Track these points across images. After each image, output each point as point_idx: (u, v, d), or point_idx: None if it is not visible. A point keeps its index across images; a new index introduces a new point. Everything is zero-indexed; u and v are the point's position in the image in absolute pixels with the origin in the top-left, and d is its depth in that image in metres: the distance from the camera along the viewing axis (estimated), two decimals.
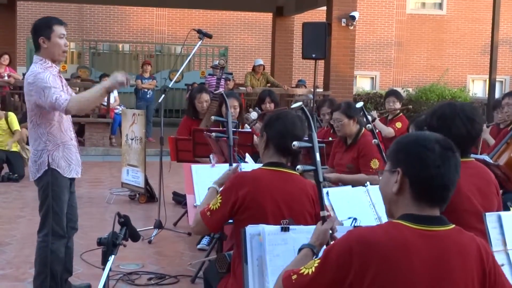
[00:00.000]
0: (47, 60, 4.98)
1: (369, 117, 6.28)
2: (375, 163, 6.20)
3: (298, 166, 3.20)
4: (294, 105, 3.56)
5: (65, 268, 5.26)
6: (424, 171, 2.47)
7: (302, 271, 2.56)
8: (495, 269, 2.55)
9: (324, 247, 3.03)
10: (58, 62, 5.07)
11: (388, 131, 8.76)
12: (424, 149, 2.49)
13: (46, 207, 5.04)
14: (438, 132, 2.68)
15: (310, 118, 3.49)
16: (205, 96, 7.94)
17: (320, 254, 2.81)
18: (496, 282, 2.53)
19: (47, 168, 4.98)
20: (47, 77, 4.85)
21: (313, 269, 2.52)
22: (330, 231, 3.05)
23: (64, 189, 5.10)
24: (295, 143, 3.25)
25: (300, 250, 2.98)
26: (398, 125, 8.90)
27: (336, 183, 6.30)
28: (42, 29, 4.98)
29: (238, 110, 7.54)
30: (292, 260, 2.93)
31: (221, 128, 6.69)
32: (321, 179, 3.23)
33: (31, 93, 4.90)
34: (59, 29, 4.99)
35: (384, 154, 5.89)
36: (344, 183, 6.27)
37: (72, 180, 5.22)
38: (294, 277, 2.58)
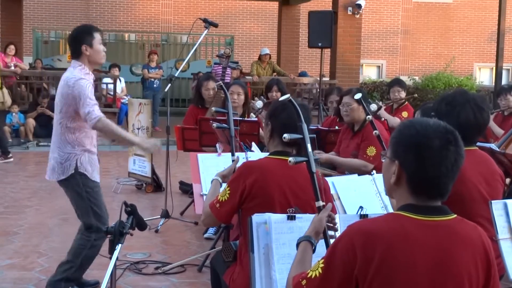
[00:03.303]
0: (86, 67, 5.12)
1: (373, 107, 6.26)
2: (371, 150, 6.21)
3: (290, 158, 3.20)
4: (281, 98, 3.56)
5: None
6: (421, 170, 2.44)
7: (310, 275, 2.55)
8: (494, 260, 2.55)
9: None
10: (99, 65, 5.36)
11: (395, 121, 8.66)
12: (422, 146, 2.44)
13: (85, 210, 5.14)
14: (446, 118, 2.65)
15: (299, 110, 3.49)
16: (212, 84, 7.94)
17: (322, 248, 2.82)
18: (495, 273, 2.53)
19: (73, 172, 5.07)
20: (87, 86, 4.98)
21: (320, 270, 2.50)
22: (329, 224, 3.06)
23: (95, 186, 5.18)
24: (285, 135, 3.26)
25: (298, 244, 2.95)
26: (404, 114, 8.83)
27: (341, 171, 6.31)
28: (84, 37, 5.12)
29: (242, 97, 7.52)
30: (294, 259, 2.91)
31: (226, 118, 6.68)
32: (313, 169, 3.23)
33: (69, 96, 5.00)
34: (98, 36, 5.17)
35: (384, 146, 5.89)
36: (335, 164, 6.31)
37: None
38: (304, 282, 2.56)
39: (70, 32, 5.24)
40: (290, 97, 3.51)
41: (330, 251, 2.51)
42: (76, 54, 5.13)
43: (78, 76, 5.01)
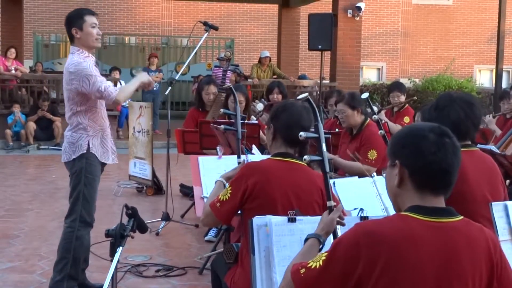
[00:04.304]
0: (83, 50, 5.11)
1: (375, 108, 6.28)
2: (372, 154, 6.24)
3: (305, 156, 3.23)
4: (300, 96, 3.58)
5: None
6: (421, 159, 2.47)
7: (310, 265, 2.56)
8: (502, 261, 2.55)
9: (332, 237, 3.05)
10: (93, 48, 5.23)
11: (396, 128, 8.55)
12: (418, 138, 2.50)
13: (77, 193, 5.13)
14: (438, 122, 2.68)
15: (316, 109, 3.50)
16: (213, 88, 7.96)
17: (327, 245, 2.82)
18: (502, 274, 2.53)
19: (85, 151, 5.09)
20: (89, 66, 4.99)
21: (321, 262, 2.51)
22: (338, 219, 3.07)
23: (96, 177, 5.21)
24: (301, 133, 3.28)
25: (306, 240, 2.98)
26: (406, 119, 8.78)
27: (341, 173, 6.33)
28: (74, 20, 5.11)
29: (244, 104, 7.54)
30: (299, 251, 2.94)
31: (227, 120, 6.70)
32: (327, 169, 3.25)
33: (72, 82, 5.01)
34: (91, 19, 5.12)
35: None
36: (338, 166, 6.33)
37: (102, 169, 5.33)
38: (303, 270, 2.57)
39: None
40: (308, 97, 3.53)
41: (334, 246, 2.52)
42: (71, 38, 5.14)
43: (77, 61, 5.01)
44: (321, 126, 3.35)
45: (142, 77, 5.30)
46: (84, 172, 5.11)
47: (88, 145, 5.10)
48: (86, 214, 5.16)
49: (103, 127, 5.22)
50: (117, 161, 5.41)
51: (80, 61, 5.01)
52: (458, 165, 2.52)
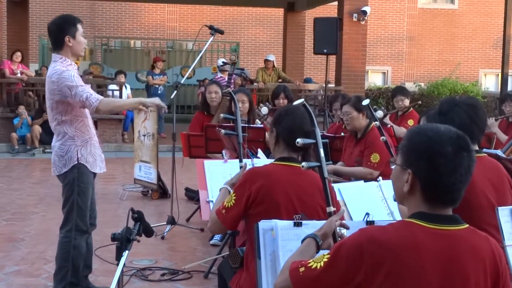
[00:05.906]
0: (66, 58, 5.05)
1: (379, 114, 6.28)
2: (375, 157, 6.24)
3: (303, 163, 3.21)
4: (296, 102, 3.58)
5: (85, 265, 5.30)
6: (436, 178, 2.43)
7: (310, 265, 2.54)
8: (506, 271, 2.54)
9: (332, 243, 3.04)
10: (79, 57, 5.24)
11: (401, 131, 8.56)
12: (436, 154, 2.43)
13: (71, 203, 5.10)
14: None
15: (313, 114, 3.50)
16: (215, 87, 8.01)
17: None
18: (505, 285, 2.52)
19: (76, 162, 5.05)
20: (71, 75, 4.93)
21: (322, 263, 2.49)
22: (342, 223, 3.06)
23: (89, 185, 5.17)
24: (298, 140, 3.28)
25: (303, 240, 2.95)
26: (410, 122, 8.78)
27: (347, 178, 6.32)
28: (68, 27, 5.05)
29: (247, 105, 7.54)
30: (295, 251, 2.92)
31: (232, 124, 6.69)
32: (326, 175, 3.24)
33: (55, 92, 4.96)
34: (81, 28, 5.11)
35: (392, 152, 5.90)
36: (340, 175, 6.33)
37: (94, 176, 5.29)
38: (302, 269, 2.56)
39: (50, 22, 5.15)
40: (304, 102, 3.53)
41: (336, 249, 2.50)
42: (58, 46, 5.06)
43: (60, 70, 4.96)
44: (318, 131, 3.35)
45: (142, 100, 5.26)
46: (76, 182, 5.07)
47: (77, 155, 5.05)
48: (82, 223, 5.12)
49: (90, 136, 5.16)
50: (105, 169, 5.36)
51: (62, 69, 4.96)
52: (470, 177, 2.48)
